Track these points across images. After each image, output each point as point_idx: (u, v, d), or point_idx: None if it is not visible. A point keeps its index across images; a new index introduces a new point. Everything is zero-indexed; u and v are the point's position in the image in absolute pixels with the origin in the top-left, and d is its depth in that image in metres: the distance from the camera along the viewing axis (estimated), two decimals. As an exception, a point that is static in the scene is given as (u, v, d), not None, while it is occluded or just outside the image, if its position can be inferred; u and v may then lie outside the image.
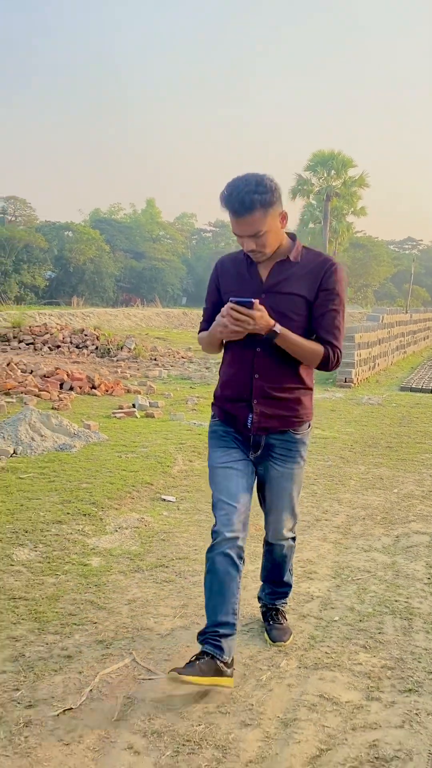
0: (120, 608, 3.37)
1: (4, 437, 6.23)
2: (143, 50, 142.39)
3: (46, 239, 64.75)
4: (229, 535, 2.60)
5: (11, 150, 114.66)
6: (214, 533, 2.63)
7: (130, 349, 15.43)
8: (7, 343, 15.82)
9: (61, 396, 9.59)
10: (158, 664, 2.87)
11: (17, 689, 2.65)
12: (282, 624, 3.12)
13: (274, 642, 3.03)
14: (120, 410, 8.60)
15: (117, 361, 14.66)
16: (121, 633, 3.14)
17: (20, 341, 15.90)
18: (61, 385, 10.46)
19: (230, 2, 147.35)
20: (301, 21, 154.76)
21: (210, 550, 2.63)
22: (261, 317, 2.47)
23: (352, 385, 13.21)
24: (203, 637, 2.64)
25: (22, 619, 3.22)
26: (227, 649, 2.61)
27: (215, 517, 2.67)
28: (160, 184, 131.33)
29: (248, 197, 2.41)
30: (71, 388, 10.35)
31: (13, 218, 71.77)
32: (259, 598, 3.23)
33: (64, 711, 2.51)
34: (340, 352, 2.67)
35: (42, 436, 6.39)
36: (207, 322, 2.83)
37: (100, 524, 4.54)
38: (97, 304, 53.22)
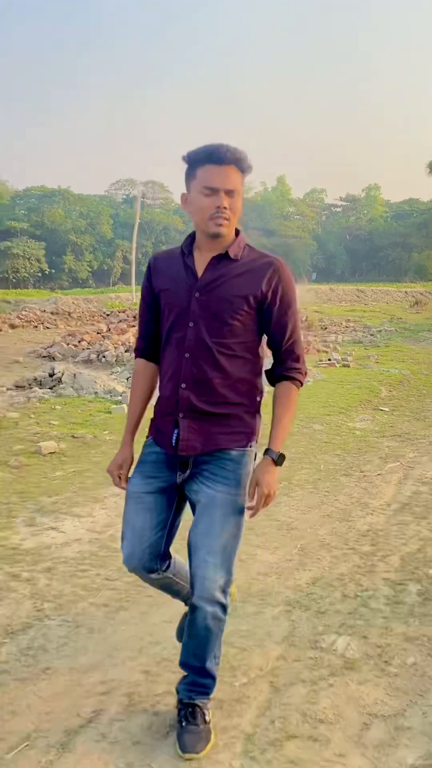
0: (383, 447, 6.35)
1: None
2: (264, 32, 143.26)
3: (183, 221, 68.83)
4: (131, 568, 2.31)
5: (149, 134, 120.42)
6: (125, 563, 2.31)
7: (302, 320, 18.48)
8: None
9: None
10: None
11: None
12: (198, 726, 2.25)
13: (182, 752, 2.18)
14: (322, 362, 11.62)
15: (293, 330, 17.71)
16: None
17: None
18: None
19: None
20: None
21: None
22: (270, 493, 2.18)
23: None
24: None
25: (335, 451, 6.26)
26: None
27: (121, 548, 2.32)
28: (291, 159, 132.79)
29: (238, 150, 2.08)
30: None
31: (152, 201, 76.22)
32: (177, 691, 2.38)
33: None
34: (304, 363, 2.29)
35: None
36: (143, 339, 2.40)
37: (350, 417, 7.56)
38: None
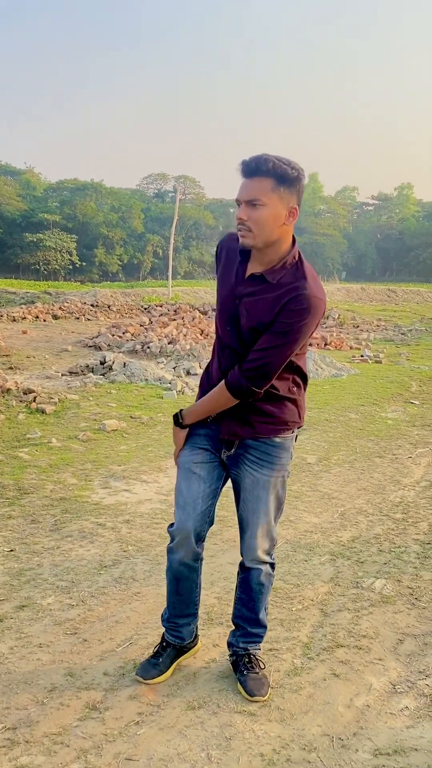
0: (414, 435, 6.91)
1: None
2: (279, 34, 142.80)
3: (213, 216, 69.29)
4: (183, 537, 2.43)
5: (181, 132, 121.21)
6: (171, 533, 2.48)
7: (334, 318, 19.03)
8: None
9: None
10: None
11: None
12: (258, 673, 2.55)
13: (250, 696, 2.45)
14: (355, 358, 12.18)
15: (326, 327, 18.26)
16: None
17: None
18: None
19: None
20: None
21: (169, 551, 2.52)
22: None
23: None
24: (165, 625, 2.65)
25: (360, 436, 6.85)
26: (187, 633, 2.64)
27: (175, 516, 2.49)
28: (322, 157, 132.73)
29: (268, 162, 2.05)
30: (310, 344, 14.14)
31: (183, 197, 76.78)
32: (230, 644, 2.66)
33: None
34: (250, 383, 2.23)
35: (321, 367, 10.10)
36: (221, 331, 2.38)
37: (382, 408, 8.12)
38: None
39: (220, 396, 2.32)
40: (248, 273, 2.25)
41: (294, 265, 2.21)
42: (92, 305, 19.22)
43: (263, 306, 2.19)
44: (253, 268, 2.24)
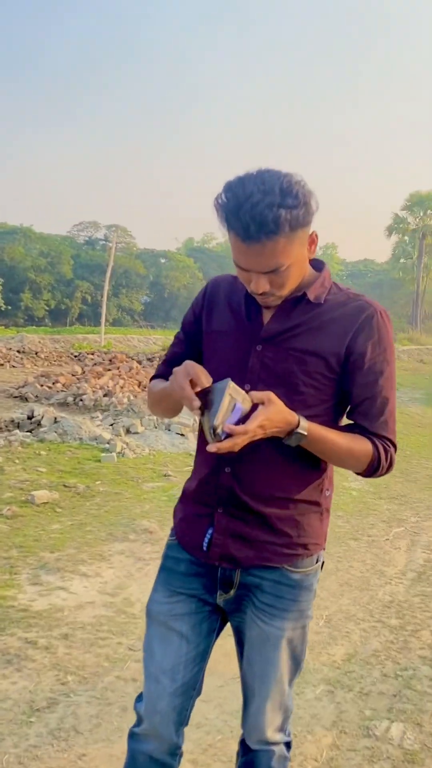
0: (384, 510, 6.26)
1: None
2: (228, 81, 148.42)
3: (144, 266, 69.34)
4: (155, 723, 1.68)
5: (114, 180, 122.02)
6: (137, 713, 1.74)
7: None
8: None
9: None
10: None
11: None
12: None
13: None
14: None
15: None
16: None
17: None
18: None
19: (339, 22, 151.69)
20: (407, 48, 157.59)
21: (131, 737, 1.75)
22: (268, 421, 1.42)
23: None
24: None
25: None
26: None
27: (143, 688, 1.73)
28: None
29: (271, 213, 1.36)
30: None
31: (114, 246, 76.66)
32: None
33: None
34: (395, 448, 1.62)
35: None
36: (167, 365, 1.75)
37: (344, 477, 7.48)
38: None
39: (362, 450, 1.59)
40: (268, 316, 1.61)
41: (334, 285, 1.65)
42: (18, 351, 18.06)
43: (315, 334, 1.58)
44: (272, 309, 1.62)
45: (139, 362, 15.97)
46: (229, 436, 1.40)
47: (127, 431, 8.19)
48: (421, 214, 42.65)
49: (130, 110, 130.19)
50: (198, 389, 1.47)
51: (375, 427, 1.60)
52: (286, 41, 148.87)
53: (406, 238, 45.14)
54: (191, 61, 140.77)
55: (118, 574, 4.14)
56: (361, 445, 1.57)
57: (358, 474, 1.62)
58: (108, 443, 7.40)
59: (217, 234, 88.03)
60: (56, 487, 5.82)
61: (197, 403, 1.45)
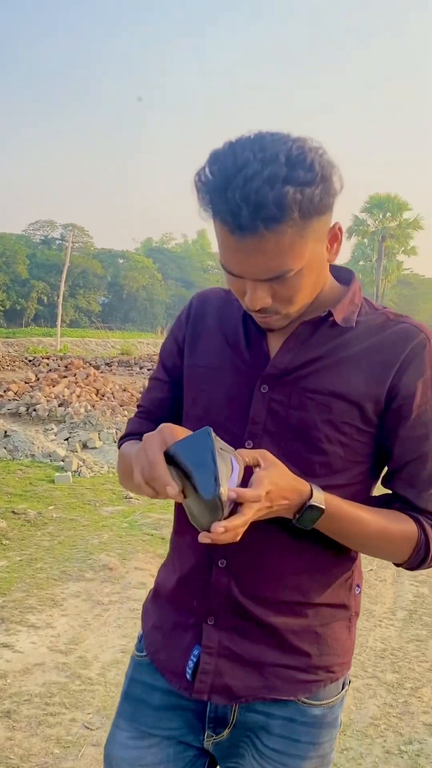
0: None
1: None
2: (195, 85, 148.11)
3: (102, 266, 68.37)
4: None
5: (70, 178, 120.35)
6: None
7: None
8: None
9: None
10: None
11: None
12: None
13: None
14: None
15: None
16: None
17: (141, 367, 18.74)
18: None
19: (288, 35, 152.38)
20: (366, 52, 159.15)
21: None
22: (275, 487, 0.96)
23: None
24: None
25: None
26: None
27: None
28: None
29: (272, 191, 0.89)
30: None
31: (71, 244, 75.53)
32: None
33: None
34: None
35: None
36: (144, 417, 1.29)
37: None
38: (147, 330, 56.89)
39: (402, 532, 1.11)
40: (290, 330, 1.12)
41: (365, 301, 1.17)
42: (-32, 355, 17.23)
43: (344, 370, 1.09)
44: (288, 326, 1.11)
45: (97, 368, 15.37)
46: (232, 510, 0.92)
47: (84, 446, 7.61)
48: (381, 216, 42.77)
49: (85, 107, 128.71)
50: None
51: (422, 500, 1.13)
52: (236, 38, 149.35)
53: (365, 240, 45.22)
54: (146, 59, 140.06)
55: (72, 623, 3.59)
56: (402, 526, 1.11)
57: (397, 565, 1.16)
58: (63, 461, 6.82)
59: (176, 234, 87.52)
60: (4, 514, 5.23)
61: (174, 489, 0.91)
